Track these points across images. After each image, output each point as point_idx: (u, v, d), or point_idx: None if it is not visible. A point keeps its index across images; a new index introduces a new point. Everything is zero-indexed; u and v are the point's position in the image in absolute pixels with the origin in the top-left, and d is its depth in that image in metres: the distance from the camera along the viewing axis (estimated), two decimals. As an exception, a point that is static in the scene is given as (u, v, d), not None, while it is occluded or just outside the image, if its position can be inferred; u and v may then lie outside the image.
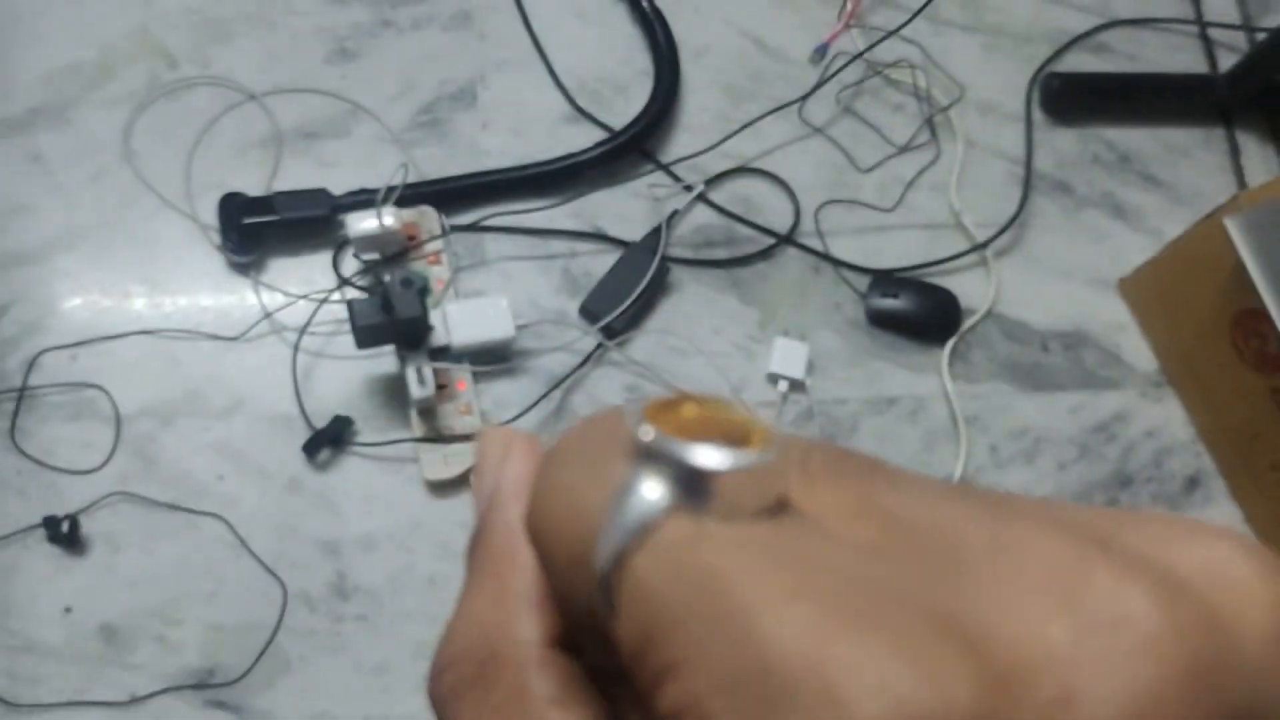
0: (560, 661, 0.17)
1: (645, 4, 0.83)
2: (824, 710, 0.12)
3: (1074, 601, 0.13)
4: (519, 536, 0.18)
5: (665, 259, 0.77)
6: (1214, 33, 0.89)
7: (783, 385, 0.77)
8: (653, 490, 0.15)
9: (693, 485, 0.15)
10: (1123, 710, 0.12)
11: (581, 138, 0.81)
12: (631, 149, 0.80)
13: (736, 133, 0.81)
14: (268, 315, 0.75)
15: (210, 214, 0.76)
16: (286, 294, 0.75)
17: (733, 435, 0.15)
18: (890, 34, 0.83)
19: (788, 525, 0.15)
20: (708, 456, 0.15)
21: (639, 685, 0.14)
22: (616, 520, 0.15)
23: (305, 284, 0.76)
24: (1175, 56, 0.89)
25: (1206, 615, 0.13)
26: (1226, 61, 0.88)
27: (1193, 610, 0.13)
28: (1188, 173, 0.86)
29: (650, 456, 0.15)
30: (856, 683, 0.12)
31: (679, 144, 0.82)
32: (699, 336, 0.78)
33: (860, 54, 0.84)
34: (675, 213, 0.80)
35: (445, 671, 0.17)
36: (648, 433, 0.15)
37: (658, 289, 0.78)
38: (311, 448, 0.72)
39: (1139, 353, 0.81)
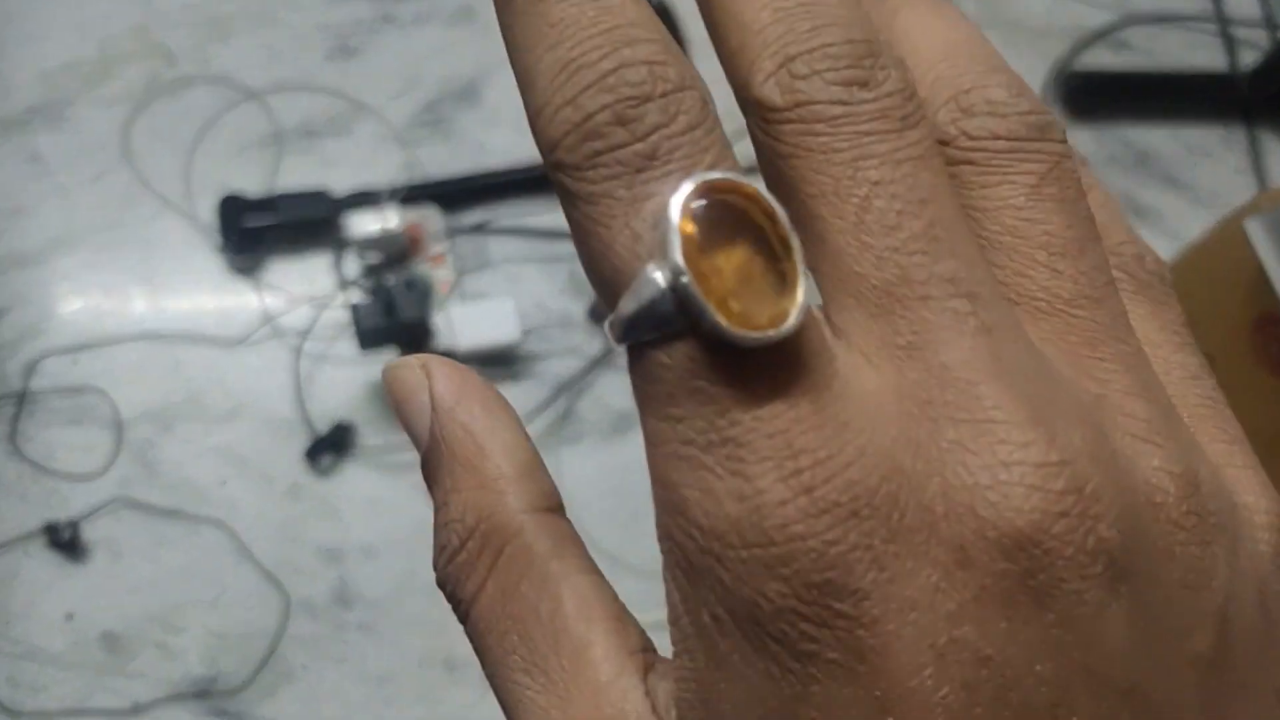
0: (551, 521, 0.19)
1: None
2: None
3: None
4: (479, 432, 0.20)
5: (673, 261, 0.76)
6: (1235, 30, 0.87)
7: (792, 390, 0.76)
8: (672, 305, 0.15)
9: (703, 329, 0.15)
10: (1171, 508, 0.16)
11: (588, 136, 0.80)
12: (639, 148, 0.79)
13: (746, 136, 0.79)
14: (269, 319, 0.74)
15: (210, 215, 0.75)
16: (289, 296, 0.75)
17: (761, 298, 0.16)
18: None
19: (803, 364, 0.16)
20: (723, 329, 0.15)
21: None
22: (635, 303, 0.16)
23: (307, 285, 0.75)
24: (1195, 54, 0.87)
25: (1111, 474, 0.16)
26: (1247, 59, 0.86)
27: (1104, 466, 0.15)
28: (1207, 173, 0.84)
29: (674, 287, 0.15)
30: (1022, 483, 0.15)
31: (688, 143, 0.81)
32: (707, 340, 0.77)
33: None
34: (684, 213, 0.79)
35: (455, 555, 0.20)
36: (683, 281, 0.15)
37: (665, 292, 0.76)
38: (314, 453, 0.71)
39: (1156, 357, 0.80)
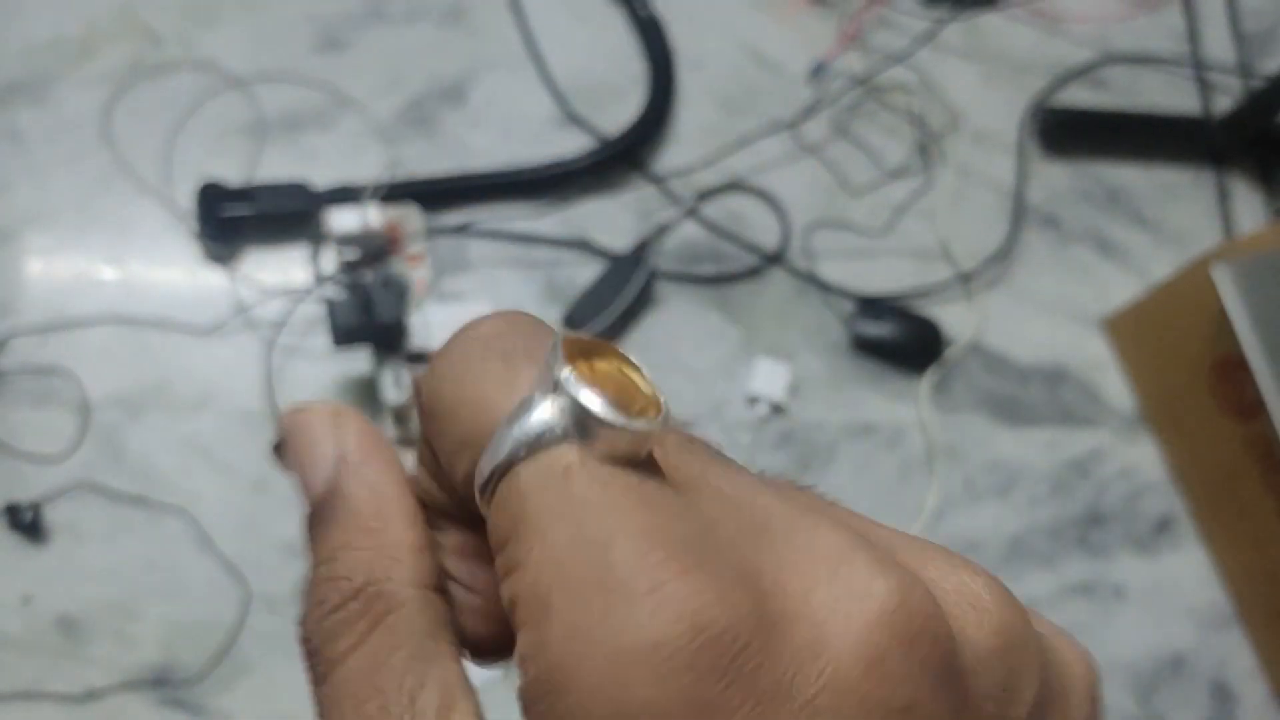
0: (436, 602, 0.20)
1: (643, 10, 0.82)
2: (644, 620, 0.15)
3: (837, 575, 0.17)
4: (385, 496, 0.20)
5: (651, 273, 0.77)
6: (1210, 75, 0.89)
7: (762, 407, 0.76)
8: (554, 419, 0.17)
9: (587, 427, 0.17)
10: (855, 661, 0.16)
11: (571, 142, 0.80)
12: (623, 159, 0.79)
13: (731, 151, 0.80)
14: (243, 310, 0.74)
15: (189, 201, 0.75)
16: (264, 288, 0.74)
17: (630, 395, 0.18)
18: (897, 62, 0.82)
19: (648, 478, 0.17)
20: (606, 409, 0.17)
21: (496, 565, 0.18)
22: (516, 429, 0.17)
23: (283, 278, 0.75)
24: (1171, 96, 0.89)
25: (937, 610, 0.17)
26: (1221, 105, 0.88)
27: (927, 602, 0.16)
28: (1176, 214, 0.86)
29: (559, 390, 0.17)
30: (674, 601, 0.15)
31: (671, 155, 0.82)
32: (681, 353, 0.77)
33: (864, 81, 0.84)
34: (664, 226, 0.79)
35: (333, 611, 0.19)
36: (565, 369, 0.17)
37: (642, 303, 0.77)
38: (281, 447, 0.71)
39: (1118, 392, 0.81)
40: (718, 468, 0.19)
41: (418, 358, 0.72)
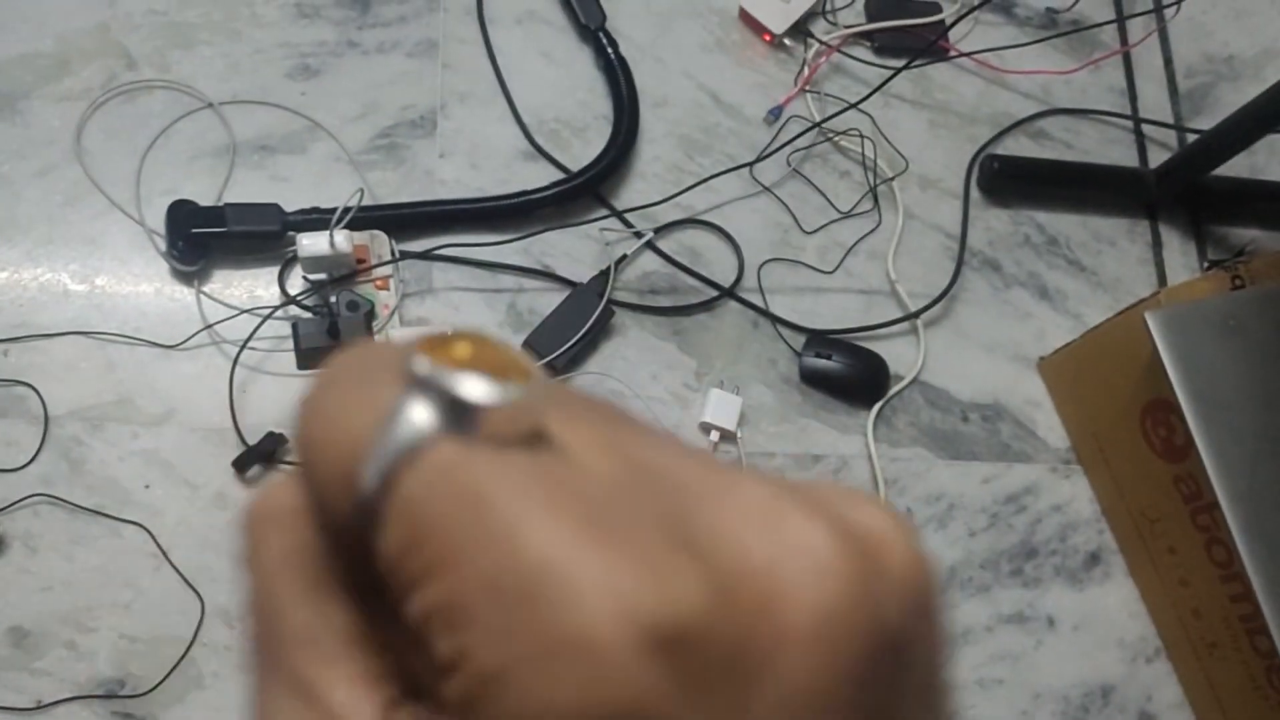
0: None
1: (610, 51, 0.85)
2: (569, 609, 0.14)
3: (774, 530, 0.16)
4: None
5: (610, 302, 0.79)
6: (1147, 129, 0.94)
7: (714, 435, 0.79)
8: (422, 415, 0.16)
9: (459, 414, 0.16)
10: (808, 614, 0.15)
11: (537, 175, 0.82)
12: (586, 191, 0.82)
13: (691, 188, 0.83)
14: (208, 326, 0.75)
15: (158, 219, 0.76)
16: (229, 306, 0.75)
17: (499, 371, 0.17)
18: (850, 106, 0.85)
19: (544, 453, 0.16)
20: (474, 388, 0.16)
21: (396, 592, 0.16)
22: (386, 441, 0.16)
23: (249, 297, 0.76)
24: (1110, 148, 0.93)
25: (866, 550, 0.16)
26: (1157, 157, 0.92)
27: (857, 545, 0.16)
28: (1111, 261, 0.90)
29: (421, 385, 0.16)
30: (599, 587, 0.14)
31: (632, 190, 0.84)
32: (637, 381, 0.79)
33: (817, 124, 0.87)
34: (624, 257, 0.82)
35: (265, 501, 0.19)
36: (421, 363, 0.16)
37: (601, 331, 0.79)
38: (242, 463, 0.72)
39: (1053, 430, 0.85)
40: (626, 430, 0.18)
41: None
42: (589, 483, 0.16)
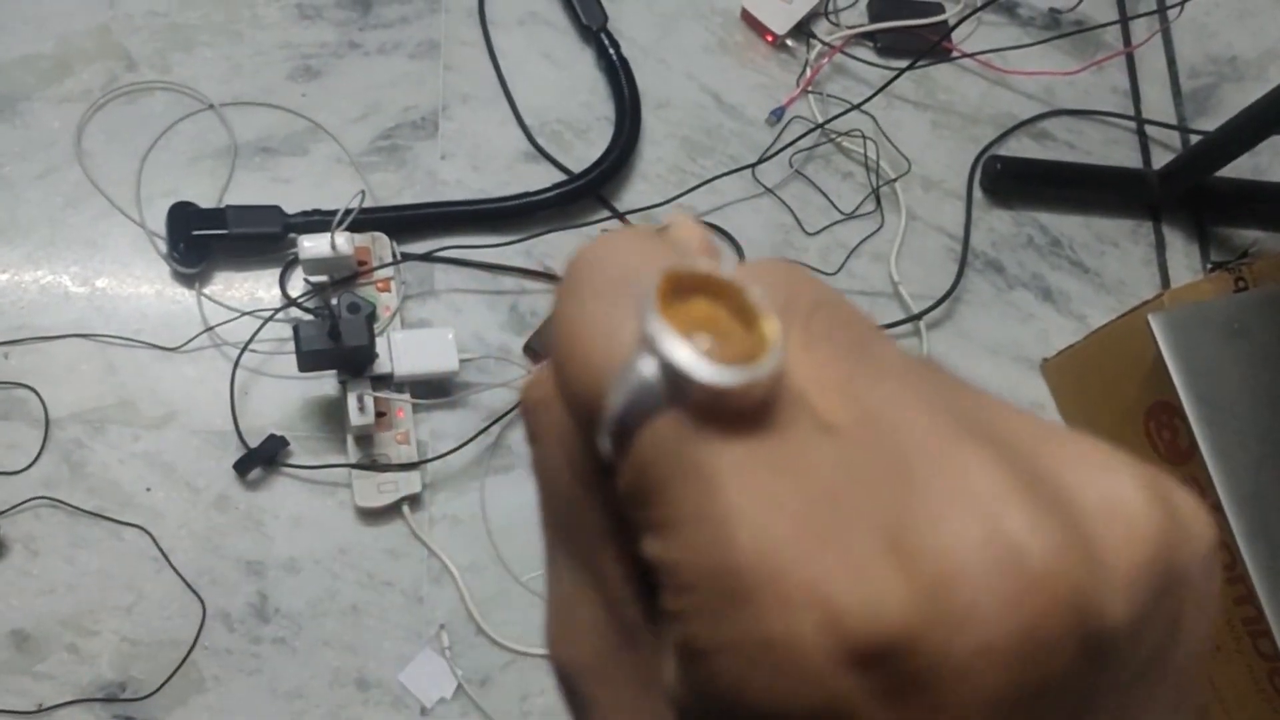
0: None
1: (612, 52, 0.85)
2: (776, 613, 0.15)
3: (994, 531, 0.15)
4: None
5: (612, 305, 0.78)
6: (1150, 130, 0.93)
7: (716, 438, 0.78)
8: (650, 381, 0.16)
9: (680, 387, 0.15)
10: (1007, 632, 0.14)
11: (538, 176, 0.82)
12: (588, 193, 0.82)
13: (693, 189, 0.82)
14: (209, 328, 0.74)
15: (159, 221, 0.75)
16: (230, 309, 0.75)
17: (732, 340, 0.16)
18: (853, 108, 0.85)
19: (776, 425, 0.16)
20: (703, 370, 0.15)
21: (630, 517, 0.17)
22: (621, 395, 0.16)
23: (250, 299, 0.76)
24: (1113, 149, 0.93)
25: (1091, 552, 0.15)
26: (1160, 158, 0.92)
27: (1082, 549, 0.15)
28: (1114, 262, 0.90)
29: (652, 346, 0.16)
30: (808, 593, 0.15)
31: (634, 191, 0.84)
32: (638, 384, 0.79)
33: (820, 125, 0.87)
34: (625, 260, 0.81)
35: (534, 388, 0.19)
36: (656, 325, 0.15)
37: (602, 334, 0.79)
38: (243, 466, 0.72)
39: (1057, 432, 0.84)
40: (865, 371, 0.17)
41: (381, 381, 0.73)
42: (814, 461, 0.16)
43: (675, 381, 0.15)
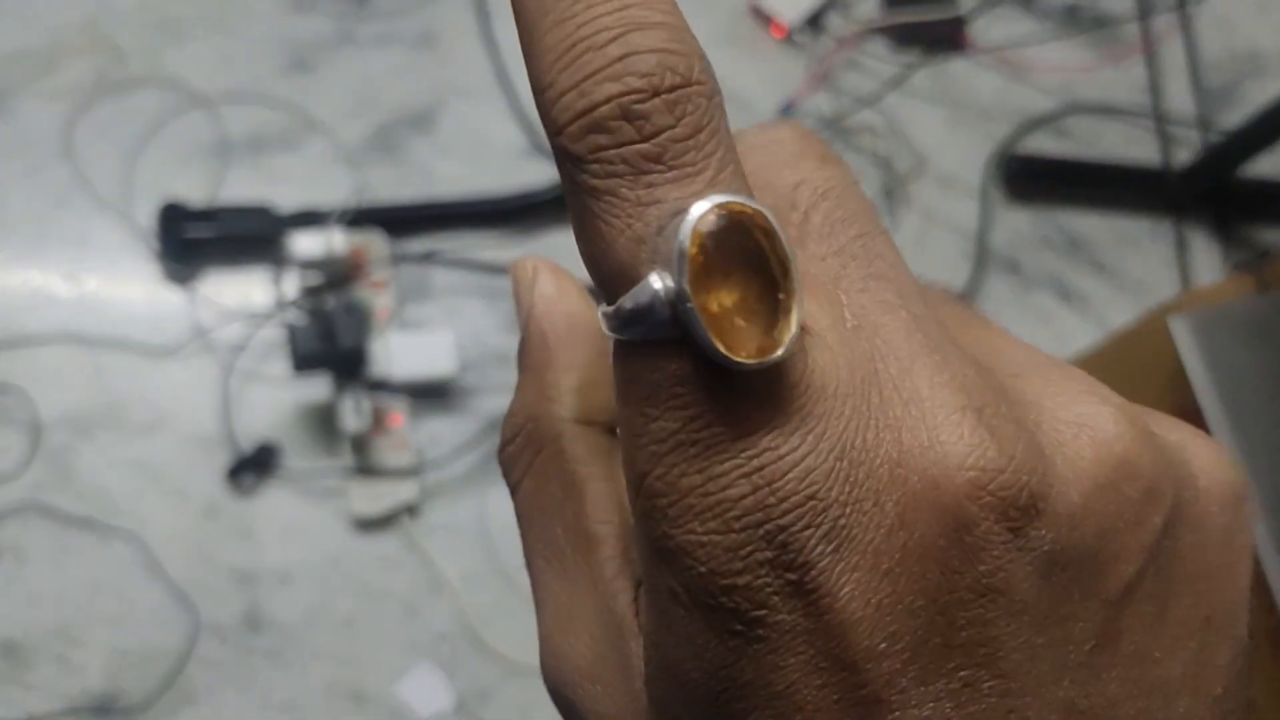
0: (590, 434, 0.21)
1: (616, 44, 0.83)
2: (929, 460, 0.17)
3: (1085, 420, 0.19)
4: (552, 342, 0.22)
5: (615, 306, 0.77)
6: (1171, 128, 0.91)
7: (722, 443, 0.76)
8: (664, 318, 0.17)
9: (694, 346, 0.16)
10: (1097, 472, 0.18)
11: (539, 173, 0.80)
12: (590, 191, 0.80)
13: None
14: (201, 331, 0.73)
15: (149, 220, 0.74)
16: (223, 311, 0.73)
17: (759, 326, 0.16)
18: (865, 105, 0.83)
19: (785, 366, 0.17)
20: (714, 354, 0.16)
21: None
22: (631, 302, 0.17)
23: (243, 301, 0.74)
24: (1132, 147, 0.90)
25: (1038, 453, 0.18)
26: (1181, 157, 0.90)
27: (1024, 454, 0.17)
28: (1134, 262, 0.87)
29: (679, 300, 0.16)
30: (959, 448, 0.17)
31: (638, 189, 0.82)
32: (643, 387, 0.77)
33: (831, 120, 0.84)
34: (629, 260, 0.79)
35: (507, 444, 0.22)
36: (685, 298, 0.16)
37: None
38: (235, 473, 0.70)
39: (1073, 438, 0.82)
40: (853, 273, 0.19)
41: (377, 384, 0.71)
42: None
43: (688, 341, 0.16)
